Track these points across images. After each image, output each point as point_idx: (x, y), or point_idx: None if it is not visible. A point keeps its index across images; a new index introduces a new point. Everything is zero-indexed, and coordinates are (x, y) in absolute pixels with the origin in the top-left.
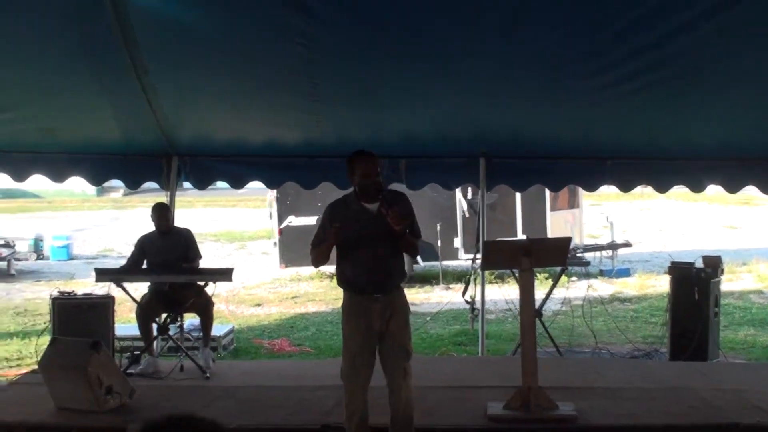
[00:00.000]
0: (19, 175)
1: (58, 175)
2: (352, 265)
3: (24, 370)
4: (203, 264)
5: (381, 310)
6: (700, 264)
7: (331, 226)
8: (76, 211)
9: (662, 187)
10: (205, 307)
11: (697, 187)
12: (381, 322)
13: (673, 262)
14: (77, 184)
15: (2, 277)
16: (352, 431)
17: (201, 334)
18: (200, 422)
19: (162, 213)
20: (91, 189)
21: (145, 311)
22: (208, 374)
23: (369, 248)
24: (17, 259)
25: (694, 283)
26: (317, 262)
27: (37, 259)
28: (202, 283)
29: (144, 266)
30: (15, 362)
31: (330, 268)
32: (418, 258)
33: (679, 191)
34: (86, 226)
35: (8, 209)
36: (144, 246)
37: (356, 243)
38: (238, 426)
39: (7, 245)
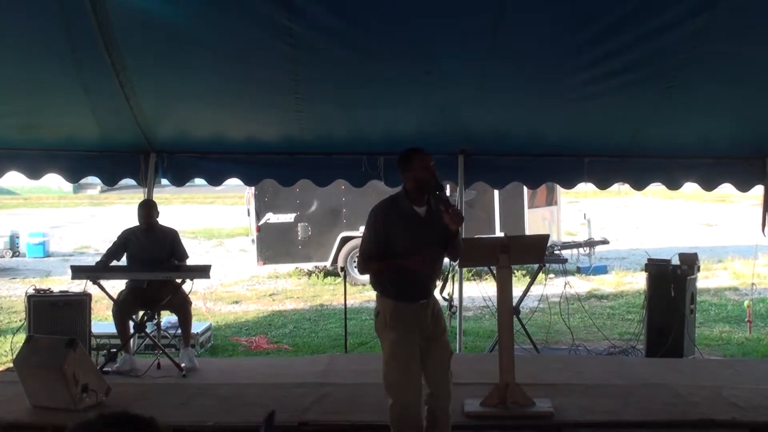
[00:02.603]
0: None
1: (35, 172)
2: (402, 271)
3: None
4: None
5: (429, 314)
6: (676, 261)
7: (384, 229)
8: (53, 208)
9: (639, 185)
10: (182, 306)
11: (673, 184)
12: (429, 327)
13: (649, 260)
14: (54, 180)
15: None
16: None
17: (179, 331)
18: (134, 419)
19: (148, 210)
20: (68, 186)
21: (122, 309)
22: (185, 372)
23: (418, 253)
24: None
25: (671, 281)
26: (371, 274)
27: (13, 256)
28: (179, 281)
29: (123, 259)
30: None
31: (307, 266)
32: None
33: (656, 189)
34: (63, 223)
35: None
36: (128, 239)
37: (406, 248)
38: (215, 423)
39: None
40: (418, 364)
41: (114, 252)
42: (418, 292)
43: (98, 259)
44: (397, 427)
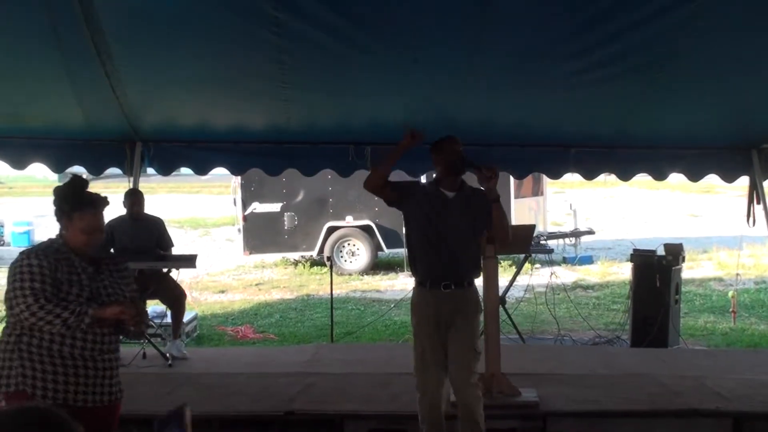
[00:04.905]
0: None
1: (20, 162)
2: (422, 253)
3: None
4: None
5: (450, 303)
6: (661, 252)
7: (405, 191)
8: (38, 196)
9: (625, 175)
10: (177, 299)
11: (660, 175)
12: (448, 316)
13: (635, 250)
14: (39, 169)
15: None
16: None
17: (164, 321)
18: (48, 415)
19: (136, 199)
20: (54, 174)
21: None
22: (171, 362)
23: (442, 237)
24: None
25: (656, 271)
26: (374, 181)
27: None
28: (174, 275)
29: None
30: None
31: (294, 255)
32: (383, 245)
33: (643, 179)
34: (48, 212)
35: None
36: (114, 231)
37: (429, 230)
38: (201, 413)
39: None
40: (435, 356)
41: (105, 246)
42: (442, 277)
43: None
44: (421, 418)
